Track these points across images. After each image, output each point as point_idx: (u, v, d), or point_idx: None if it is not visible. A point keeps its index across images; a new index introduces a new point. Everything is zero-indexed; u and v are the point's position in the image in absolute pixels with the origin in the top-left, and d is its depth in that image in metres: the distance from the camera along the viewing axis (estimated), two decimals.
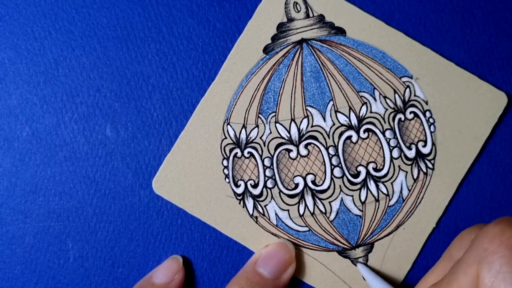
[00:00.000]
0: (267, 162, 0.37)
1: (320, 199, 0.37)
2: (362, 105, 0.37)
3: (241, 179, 0.37)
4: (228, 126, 0.37)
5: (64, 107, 0.38)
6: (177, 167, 0.37)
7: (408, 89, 0.37)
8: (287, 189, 0.37)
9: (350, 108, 0.37)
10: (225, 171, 0.37)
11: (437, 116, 0.37)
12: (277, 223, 0.38)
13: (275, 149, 0.37)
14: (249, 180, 0.37)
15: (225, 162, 0.37)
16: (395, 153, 0.37)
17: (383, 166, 0.37)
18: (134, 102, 0.38)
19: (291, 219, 0.37)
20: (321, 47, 0.37)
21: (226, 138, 0.37)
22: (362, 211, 0.37)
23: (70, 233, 0.38)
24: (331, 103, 0.37)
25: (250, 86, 0.37)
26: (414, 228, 0.38)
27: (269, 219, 0.37)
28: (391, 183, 0.37)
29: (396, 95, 0.37)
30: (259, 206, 0.37)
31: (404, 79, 0.37)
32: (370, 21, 0.37)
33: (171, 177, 0.37)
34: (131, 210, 0.38)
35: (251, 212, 0.37)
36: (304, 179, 0.37)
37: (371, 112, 0.37)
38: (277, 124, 0.37)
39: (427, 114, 0.37)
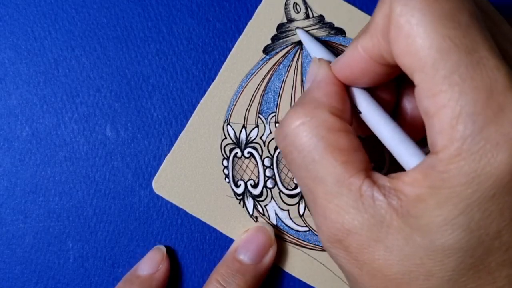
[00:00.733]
0: (267, 162, 0.37)
1: None
2: None
3: (241, 179, 0.37)
4: (228, 126, 0.37)
5: (64, 107, 0.38)
6: (177, 167, 0.37)
7: None
8: (287, 189, 0.37)
9: None
10: (225, 171, 0.37)
11: None
12: (277, 223, 0.38)
13: (275, 149, 0.37)
14: (249, 180, 0.37)
15: (225, 162, 0.37)
16: None
17: (384, 165, 0.37)
18: (134, 102, 0.38)
19: (291, 219, 0.37)
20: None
21: (226, 138, 0.37)
22: None
23: (70, 233, 0.38)
24: None
25: (250, 86, 0.37)
26: None
27: (269, 219, 0.38)
28: None
29: None
30: (259, 206, 0.37)
31: None
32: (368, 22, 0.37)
33: (171, 177, 0.37)
34: (131, 210, 0.38)
35: (251, 212, 0.37)
36: None
37: None
38: (277, 124, 0.37)
39: None
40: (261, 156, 0.37)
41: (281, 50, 0.37)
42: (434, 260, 0.24)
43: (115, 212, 0.38)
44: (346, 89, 0.30)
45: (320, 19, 0.37)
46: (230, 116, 0.37)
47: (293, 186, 0.37)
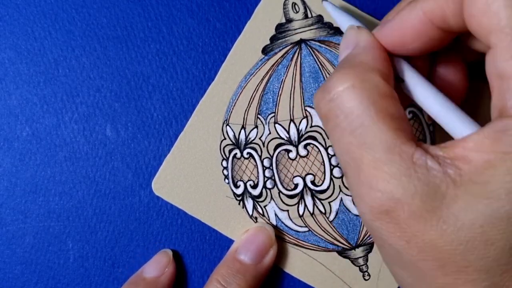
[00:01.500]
0: (266, 162, 0.37)
1: (319, 199, 0.37)
2: None
3: (240, 180, 0.37)
4: (227, 127, 0.37)
5: (64, 107, 0.38)
6: (176, 168, 0.37)
7: None
8: (286, 189, 0.37)
9: None
10: (225, 171, 0.37)
11: None
12: (276, 224, 0.38)
13: (275, 150, 0.37)
14: (248, 180, 0.37)
15: (224, 163, 0.37)
16: None
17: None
18: (134, 102, 0.38)
19: (290, 219, 0.37)
20: (320, 47, 0.37)
21: (225, 139, 0.37)
22: None
23: (70, 233, 0.38)
24: None
25: (249, 87, 0.37)
26: None
27: (269, 220, 0.37)
28: None
29: None
30: (258, 207, 0.37)
31: None
32: (369, 22, 0.37)
33: (171, 178, 0.37)
34: (131, 210, 0.38)
35: (250, 213, 0.37)
36: (304, 179, 0.37)
37: None
38: (276, 125, 0.37)
39: None
40: (260, 156, 0.37)
41: (280, 50, 0.37)
42: (497, 228, 0.23)
43: (115, 212, 0.38)
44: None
45: (319, 19, 0.37)
46: (229, 116, 0.37)
47: (293, 186, 0.37)
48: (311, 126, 0.37)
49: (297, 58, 0.37)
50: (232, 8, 0.37)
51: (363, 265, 0.38)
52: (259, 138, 0.37)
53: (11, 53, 0.38)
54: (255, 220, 0.37)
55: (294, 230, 0.38)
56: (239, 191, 0.37)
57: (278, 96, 0.37)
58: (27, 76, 0.38)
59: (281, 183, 0.37)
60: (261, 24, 0.37)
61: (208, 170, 0.37)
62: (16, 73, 0.38)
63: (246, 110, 0.37)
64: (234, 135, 0.37)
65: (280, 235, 0.38)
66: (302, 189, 0.37)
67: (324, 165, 0.37)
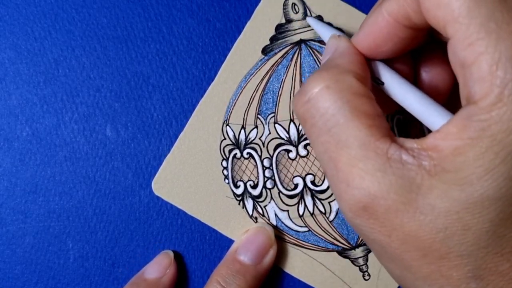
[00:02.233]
0: (266, 162, 0.37)
1: (319, 199, 0.37)
2: None
3: (240, 180, 0.37)
4: (227, 127, 0.37)
5: (64, 107, 0.38)
6: (176, 169, 0.37)
7: None
8: (286, 189, 0.37)
9: None
10: (225, 172, 0.37)
11: None
12: (276, 224, 0.38)
13: (274, 150, 0.37)
14: (248, 180, 0.37)
15: (224, 163, 0.37)
16: None
17: None
18: (134, 102, 0.38)
19: (290, 219, 0.37)
20: (320, 47, 0.37)
21: (225, 139, 0.37)
22: None
23: (70, 233, 0.38)
24: None
25: (249, 87, 0.37)
26: None
27: (269, 220, 0.37)
28: None
29: None
30: (258, 207, 0.37)
31: None
32: None
33: (171, 179, 0.37)
34: (131, 210, 0.38)
35: (250, 213, 0.37)
36: (304, 179, 0.37)
37: None
38: (276, 125, 0.37)
39: None
40: (260, 156, 0.37)
41: (279, 50, 0.37)
42: (472, 213, 0.23)
43: (115, 212, 0.38)
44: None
45: (319, 19, 0.37)
46: (229, 117, 0.37)
47: (293, 186, 0.37)
48: None
49: (297, 58, 0.37)
50: (232, 8, 0.37)
51: (363, 265, 0.38)
52: (259, 138, 0.37)
53: (11, 53, 0.38)
54: (255, 220, 0.37)
55: (294, 230, 0.38)
56: (239, 191, 0.37)
57: (278, 96, 0.37)
58: (27, 76, 0.38)
59: (281, 183, 0.37)
60: (261, 25, 0.37)
61: (208, 170, 0.37)
62: (16, 73, 0.38)
63: (246, 110, 0.37)
64: (234, 135, 0.37)
65: (280, 235, 0.38)
66: (302, 189, 0.37)
67: None
